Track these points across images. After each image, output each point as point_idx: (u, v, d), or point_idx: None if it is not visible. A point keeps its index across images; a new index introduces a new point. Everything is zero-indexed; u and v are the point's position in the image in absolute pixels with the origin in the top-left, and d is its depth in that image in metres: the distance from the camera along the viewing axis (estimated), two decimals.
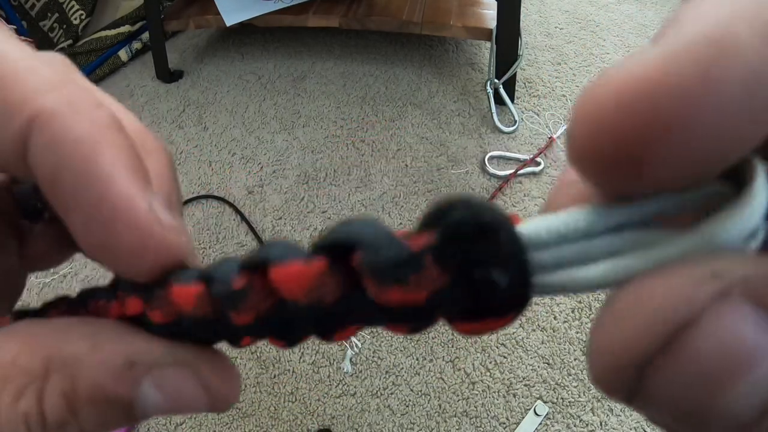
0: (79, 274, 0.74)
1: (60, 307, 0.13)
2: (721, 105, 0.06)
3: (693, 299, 0.06)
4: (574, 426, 0.58)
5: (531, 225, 0.08)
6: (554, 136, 0.87)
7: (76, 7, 1.13)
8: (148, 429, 0.61)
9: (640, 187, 0.07)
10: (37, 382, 0.10)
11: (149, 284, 0.11)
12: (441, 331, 0.66)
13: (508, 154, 0.85)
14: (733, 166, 0.07)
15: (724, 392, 0.06)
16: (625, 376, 0.07)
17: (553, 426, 0.59)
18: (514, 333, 0.65)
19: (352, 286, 0.09)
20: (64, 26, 1.13)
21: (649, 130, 0.06)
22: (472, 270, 0.08)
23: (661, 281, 0.06)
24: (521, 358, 0.63)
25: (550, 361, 0.63)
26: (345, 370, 0.64)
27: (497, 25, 0.85)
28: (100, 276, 0.72)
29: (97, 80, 1.11)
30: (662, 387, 0.06)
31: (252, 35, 1.16)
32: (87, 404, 0.10)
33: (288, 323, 0.10)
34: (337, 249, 0.08)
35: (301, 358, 0.65)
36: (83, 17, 1.14)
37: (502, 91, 0.90)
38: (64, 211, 0.10)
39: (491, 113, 0.89)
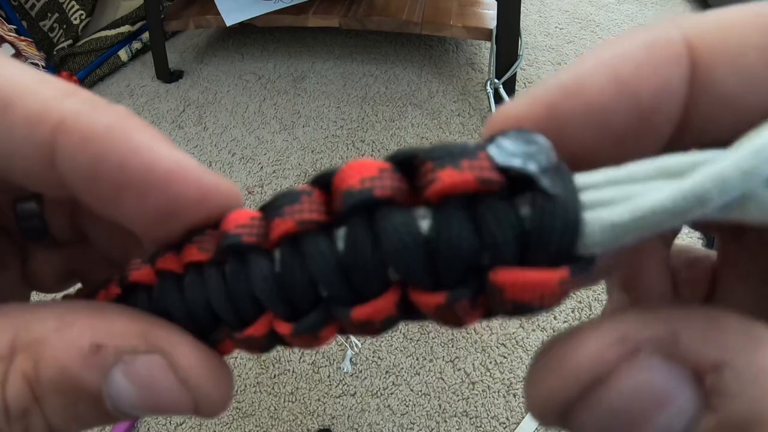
0: None
1: (78, 297, 0.13)
2: (563, 132, 0.08)
3: (602, 360, 0.08)
4: None
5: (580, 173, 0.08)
6: None
7: (76, 7, 1.13)
8: (148, 429, 0.61)
9: None
10: (2, 365, 0.09)
11: (189, 235, 0.10)
12: (441, 331, 0.66)
13: None
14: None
15: (640, 430, 0.07)
16: (552, 417, 0.08)
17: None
18: (514, 333, 0.65)
19: (407, 204, 0.08)
20: (64, 26, 1.13)
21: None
22: (521, 177, 0.07)
23: (576, 344, 0.08)
24: (521, 358, 0.63)
25: None
26: (345, 370, 0.64)
27: (497, 25, 0.85)
28: None
29: (97, 80, 1.11)
30: (584, 428, 0.08)
31: (252, 35, 1.16)
32: (51, 391, 0.09)
33: (319, 257, 0.09)
34: (403, 161, 0.08)
35: (301, 358, 0.65)
36: (83, 17, 1.14)
37: (502, 91, 0.90)
38: (109, 201, 0.10)
39: (491, 113, 0.89)
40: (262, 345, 0.10)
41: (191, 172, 0.10)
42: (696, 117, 0.08)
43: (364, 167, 0.08)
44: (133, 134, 0.09)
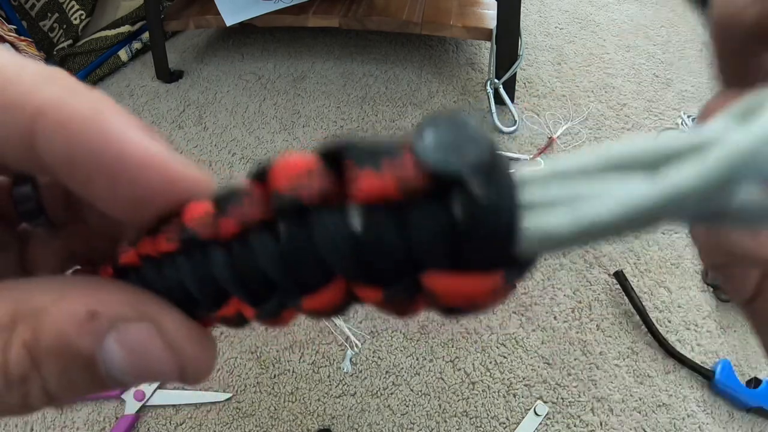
0: None
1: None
2: None
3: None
4: (574, 426, 0.58)
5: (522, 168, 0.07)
6: (554, 137, 0.87)
7: (76, 7, 1.13)
8: (148, 429, 0.61)
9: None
10: (3, 335, 0.10)
11: (162, 220, 0.11)
12: (441, 331, 0.66)
13: (508, 154, 0.85)
14: (756, 104, 0.06)
15: None
16: None
17: (553, 426, 0.59)
18: (514, 333, 0.65)
19: (337, 203, 0.08)
20: (64, 26, 1.13)
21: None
22: (449, 176, 0.07)
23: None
24: (521, 358, 0.63)
25: (550, 361, 0.63)
26: (345, 370, 0.64)
27: (497, 25, 0.85)
28: None
29: (97, 80, 1.11)
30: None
31: (252, 35, 1.16)
32: (49, 356, 0.10)
33: (264, 255, 0.09)
34: (332, 154, 0.08)
35: (301, 358, 0.65)
36: (83, 17, 1.14)
37: (502, 91, 0.90)
38: (85, 186, 0.10)
39: (491, 113, 0.89)
40: (237, 322, 0.11)
41: (159, 160, 0.10)
42: None
43: (293, 167, 0.08)
44: (107, 122, 0.10)
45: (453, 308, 0.08)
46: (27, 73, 0.10)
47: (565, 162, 0.07)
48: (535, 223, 0.07)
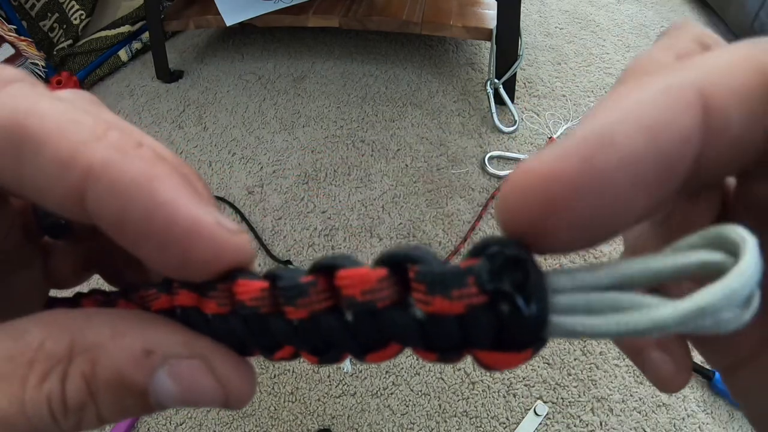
0: None
1: (92, 298, 0.14)
2: (600, 185, 0.08)
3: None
4: (574, 426, 0.58)
5: (554, 273, 0.09)
6: (554, 137, 0.87)
7: (76, 7, 1.13)
8: (148, 429, 0.61)
9: (551, 248, 0.09)
10: (61, 365, 0.10)
11: (210, 281, 0.11)
12: None
13: (508, 154, 0.85)
14: (729, 239, 0.08)
15: None
16: None
17: (553, 426, 0.59)
18: None
19: (402, 300, 0.10)
20: (64, 26, 1.13)
21: (542, 210, 0.08)
22: (502, 295, 0.09)
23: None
24: None
25: (550, 361, 0.63)
26: (345, 370, 0.64)
27: (497, 25, 0.86)
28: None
29: (97, 80, 1.11)
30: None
31: (252, 35, 1.16)
32: (105, 388, 0.11)
33: (335, 332, 0.10)
34: (396, 264, 0.10)
35: (301, 358, 0.65)
36: (83, 17, 1.14)
37: (502, 91, 0.90)
38: (134, 246, 0.11)
39: (491, 113, 0.89)
40: (289, 360, 0.12)
41: (209, 228, 0.11)
42: (707, 157, 0.09)
43: (363, 279, 0.10)
44: (158, 187, 0.10)
45: (491, 369, 0.10)
46: (78, 125, 0.10)
47: (586, 278, 0.09)
48: (559, 322, 0.09)
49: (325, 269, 0.10)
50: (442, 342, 0.10)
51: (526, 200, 0.08)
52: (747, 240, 0.08)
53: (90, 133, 0.10)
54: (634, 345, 0.15)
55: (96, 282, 0.15)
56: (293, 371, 0.64)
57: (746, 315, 0.08)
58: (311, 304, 0.10)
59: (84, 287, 0.16)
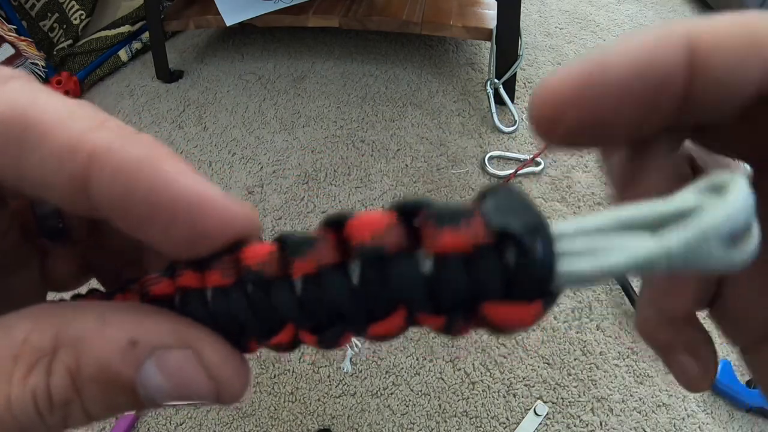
0: None
1: (89, 297, 0.14)
2: (595, 94, 0.10)
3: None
4: (574, 426, 0.58)
5: (557, 223, 0.10)
6: None
7: (76, 7, 1.13)
8: (148, 429, 0.61)
9: (563, 138, 0.11)
10: (46, 359, 0.10)
11: (216, 253, 0.11)
12: None
13: (508, 154, 0.85)
14: (722, 182, 0.09)
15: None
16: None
17: (553, 426, 0.59)
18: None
19: (411, 252, 0.10)
20: (64, 26, 1.13)
21: (557, 105, 0.11)
22: (508, 236, 0.09)
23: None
24: (521, 358, 0.63)
25: (550, 361, 0.63)
26: (345, 370, 0.64)
27: (497, 25, 0.86)
28: None
29: (97, 80, 1.11)
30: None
31: (252, 35, 1.16)
32: (90, 382, 0.10)
33: (340, 293, 0.10)
34: (407, 212, 0.10)
35: (300, 358, 0.65)
36: (83, 17, 1.14)
37: (502, 91, 0.90)
38: (140, 228, 0.11)
39: (491, 113, 0.89)
40: (287, 348, 0.12)
41: (215, 202, 0.11)
42: (695, 95, 0.10)
43: (373, 223, 0.10)
44: (161, 166, 0.10)
45: (503, 329, 0.10)
46: (77, 117, 0.10)
47: (588, 221, 0.09)
48: (566, 267, 0.09)
49: (336, 224, 0.10)
50: (449, 295, 0.09)
51: (546, 99, 0.11)
52: (735, 179, 0.09)
53: (90, 122, 0.10)
54: (664, 346, 0.16)
55: (95, 285, 0.15)
56: (293, 371, 0.64)
57: (740, 254, 0.09)
58: (319, 257, 0.10)
59: (83, 290, 0.16)
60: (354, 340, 0.65)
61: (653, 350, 0.16)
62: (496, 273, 0.09)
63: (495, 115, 0.89)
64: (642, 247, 0.09)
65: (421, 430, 0.59)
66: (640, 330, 0.16)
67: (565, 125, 0.11)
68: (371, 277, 0.10)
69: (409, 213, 0.10)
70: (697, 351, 0.15)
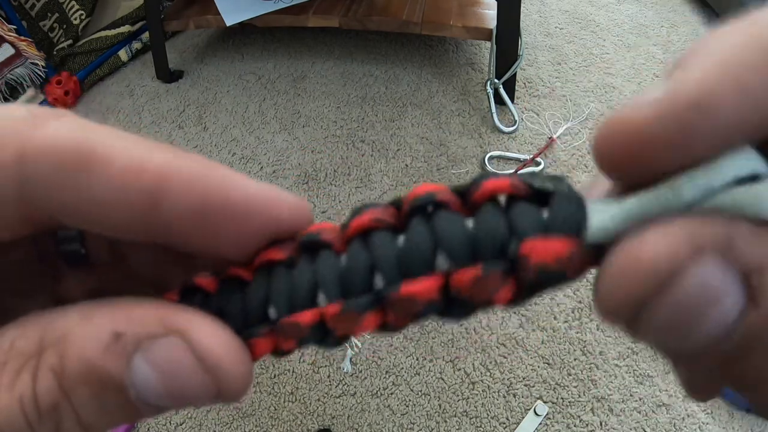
0: None
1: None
2: (691, 146, 0.08)
3: (677, 258, 0.08)
4: (574, 426, 0.58)
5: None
6: (554, 137, 0.87)
7: (76, 7, 1.13)
8: (148, 429, 0.61)
9: (627, 180, 0.10)
10: (32, 362, 0.09)
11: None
12: (441, 331, 0.66)
13: (508, 154, 0.85)
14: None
15: (699, 322, 0.08)
16: (626, 315, 0.09)
17: (553, 426, 0.59)
18: (514, 333, 0.65)
19: (458, 205, 0.11)
20: (64, 26, 1.13)
21: (630, 159, 0.09)
22: (546, 191, 0.10)
23: (648, 245, 0.08)
24: (521, 358, 0.63)
25: (550, 361, 0.63)
26: (345, 370, 0.64)
27: (497, 25, 0.86)
28: None
29: (97, 80, 1.11)
30: (653, 321, 0.09)
31: (252, 35, 1.16)
32: (78, 383, 0.09)
33: (385, 244, 0.11)
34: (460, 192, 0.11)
35: (300, 358, 0.65)
36: (83, 17, 1.14)
37: (502, 91, 0.90)
38: (211, 237, 0.11)
39: (491, 113, 0.89)
40: (302, 336, 0.11)
41: (280, 196, 0.11)
42: None
43: (431, 186, 0.11)
44: (225, 173, 0.11)
45: (542, 268, 0.10)
46: (134, 141, 0.10)
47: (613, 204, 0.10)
48: (596, 214, 0.10)
49: (396, 202, 0.11)
50: (488, 238, 0.10)
51: (616, 148, 0.09)
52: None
53: (146, 144, 0.10)
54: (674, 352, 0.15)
55: None
56: (293, 371, 0.64)
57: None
58: (376, 214, 0.11)
59: None
60: (354, 339, 0.65)
61: (666, 357, 0.16)
62: (533, 213, 0.10)
63: (495, 115, 0.89)
64: (613, 207, 0.10)
65: (421, 430, 0.59)
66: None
67: (652, 168, 0.09)
68: (419, 227, 0.11)
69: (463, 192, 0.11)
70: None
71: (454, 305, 0.11)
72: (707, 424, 0.58)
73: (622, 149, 0.09)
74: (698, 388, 0.13)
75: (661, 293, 0.08)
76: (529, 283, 0.10)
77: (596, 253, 0.10)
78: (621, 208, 0.10)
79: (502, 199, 0.11)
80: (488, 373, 0.63)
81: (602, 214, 0.10)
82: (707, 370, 0.11)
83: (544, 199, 0.10)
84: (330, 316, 0.11)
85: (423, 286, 0.10)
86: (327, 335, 0.11)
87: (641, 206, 0.09)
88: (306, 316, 0.11)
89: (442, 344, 0.65)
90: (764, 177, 0.09)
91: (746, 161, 0.09)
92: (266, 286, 0.11)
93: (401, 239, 0.11)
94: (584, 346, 0.64)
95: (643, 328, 0.09)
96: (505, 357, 0.64)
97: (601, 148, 0.09)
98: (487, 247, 0.10)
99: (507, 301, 0.10)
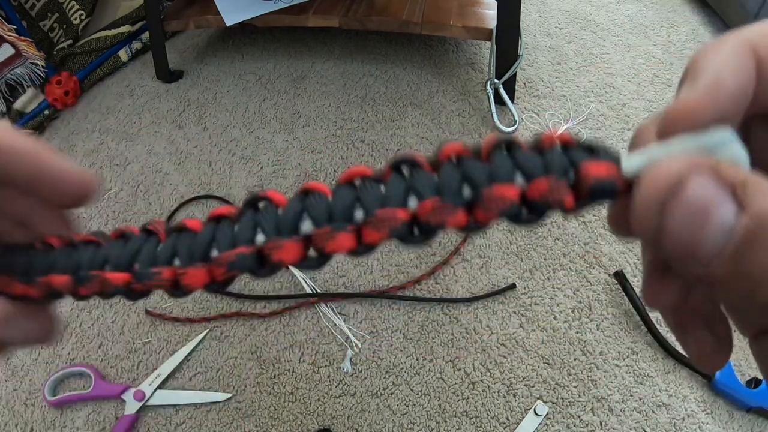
0: None
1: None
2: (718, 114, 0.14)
3: (681, 172, 0.12)
4: (574, 426, 0.58)
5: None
6: None
7: (76, 7, 1.13)
8: (148, 429, 0.61)
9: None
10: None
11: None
12: (441, 331, 0.66)
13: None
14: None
15: (706, 222, 0.11)
16: (652, 220, 0.12)
17: (553, 426, 0.59)
18: (514, 333, 0.65)
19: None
20: (64, 26, 1.13)
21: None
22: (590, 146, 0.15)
23: (664, 166, 0.12)
24: (521, 358, 0.63)
25: (550, 361, 0.63)
26: (345, 370, 0.64)
27: (497, 25, 0.85)
28: None
29: (97, 80, 1.11)
30: (671, 222, 0.12)
31: (252, 35, 1.16)
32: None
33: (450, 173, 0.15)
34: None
35: (301, 358, 0.65)
36: (83, 17, 1.14)
37: (502, 91, 0.90)
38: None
39: (491, 113, 0.89)
40: (396, 227, 0.15)
41: (72, 167, 0.18)
42: (759, 95, 0.14)
43: (501, 136, 0.16)
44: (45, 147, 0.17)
45: (596, 180, 0.13)
46: None
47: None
48: (625, 160, 0.14)
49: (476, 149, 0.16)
50: (555, 159, 0.14)
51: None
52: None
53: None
54: (680, 321, 0.17)
55: None
56: (293, 371, 0.64)
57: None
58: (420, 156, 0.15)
59: None
60: (354, 339, 0.65)
61: (669, 326, 0.18)
62: (586, 152, 0.14)
63: (495, 115, 0.89)
64: (639, 157, 0.14)
65: (421, 430, 0.59)
66: (650, 300, 0.17)
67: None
68: (504, 158, 0.15)
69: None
70: (714, 327, 0.17)
71: (533, 207, 0.14)
72: (707, 424, 0.58)
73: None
74: (707, 355, 0.17)
75: (673, 197, 0.12)
76: (589, 190, 0.13)
77: (629, 184, 0.13)
78: (642, 154, 0.14)
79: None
80: (488, 373, 0.63)
81: (630, 159, 0.14)
82: (717, 300, 0.15)
83: (589, 150, 0.14)
84: (429, 209, 0.14)
85: (510, 189, 0.14)
86: (420, 228, 0.14)
87: (657, 153, 0.13)
88: (402, 212, 0.14)
89: (442, 344, 0.65)
90: (734, 141, 0.13)
91: (726, 133, 0.13)
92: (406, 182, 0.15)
93: (486, 165, 0.15)
94: (584, 346, 0.64)
95: (666, 232, 0.12)
96: (505, 357, 0.64)
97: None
98: (555, 169, 0.14)
99: (571, 206, 0.14)
